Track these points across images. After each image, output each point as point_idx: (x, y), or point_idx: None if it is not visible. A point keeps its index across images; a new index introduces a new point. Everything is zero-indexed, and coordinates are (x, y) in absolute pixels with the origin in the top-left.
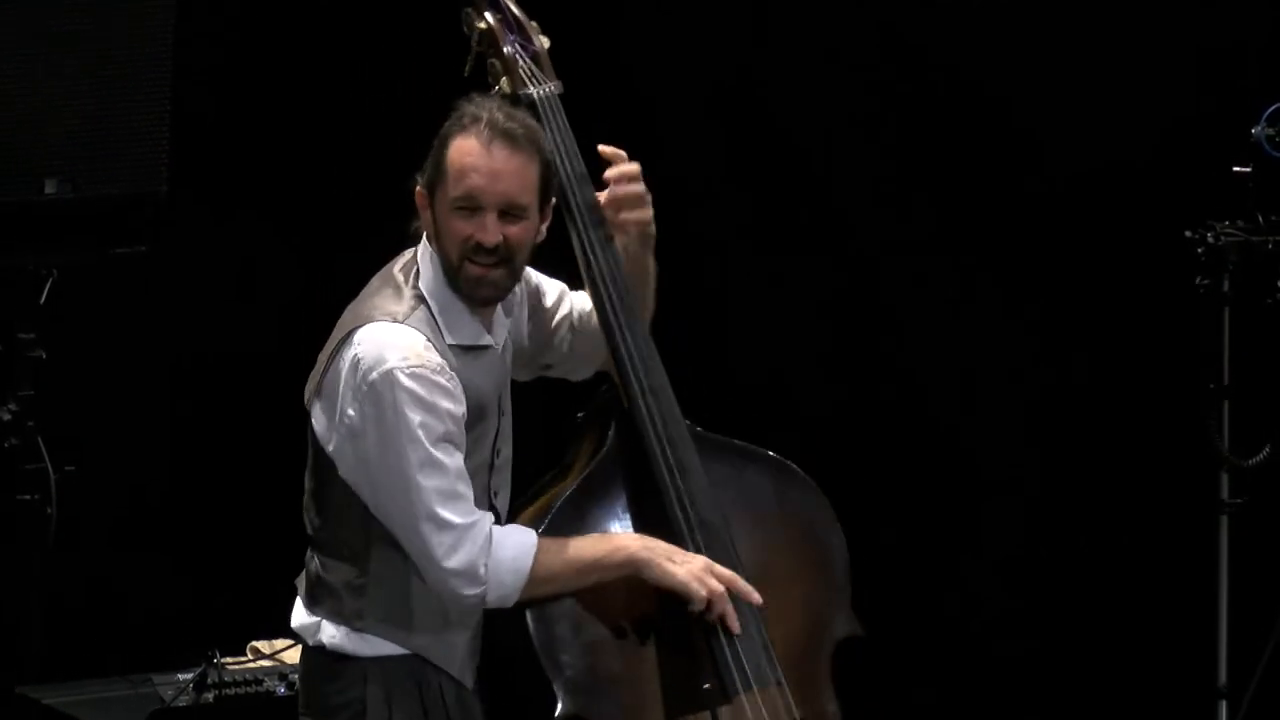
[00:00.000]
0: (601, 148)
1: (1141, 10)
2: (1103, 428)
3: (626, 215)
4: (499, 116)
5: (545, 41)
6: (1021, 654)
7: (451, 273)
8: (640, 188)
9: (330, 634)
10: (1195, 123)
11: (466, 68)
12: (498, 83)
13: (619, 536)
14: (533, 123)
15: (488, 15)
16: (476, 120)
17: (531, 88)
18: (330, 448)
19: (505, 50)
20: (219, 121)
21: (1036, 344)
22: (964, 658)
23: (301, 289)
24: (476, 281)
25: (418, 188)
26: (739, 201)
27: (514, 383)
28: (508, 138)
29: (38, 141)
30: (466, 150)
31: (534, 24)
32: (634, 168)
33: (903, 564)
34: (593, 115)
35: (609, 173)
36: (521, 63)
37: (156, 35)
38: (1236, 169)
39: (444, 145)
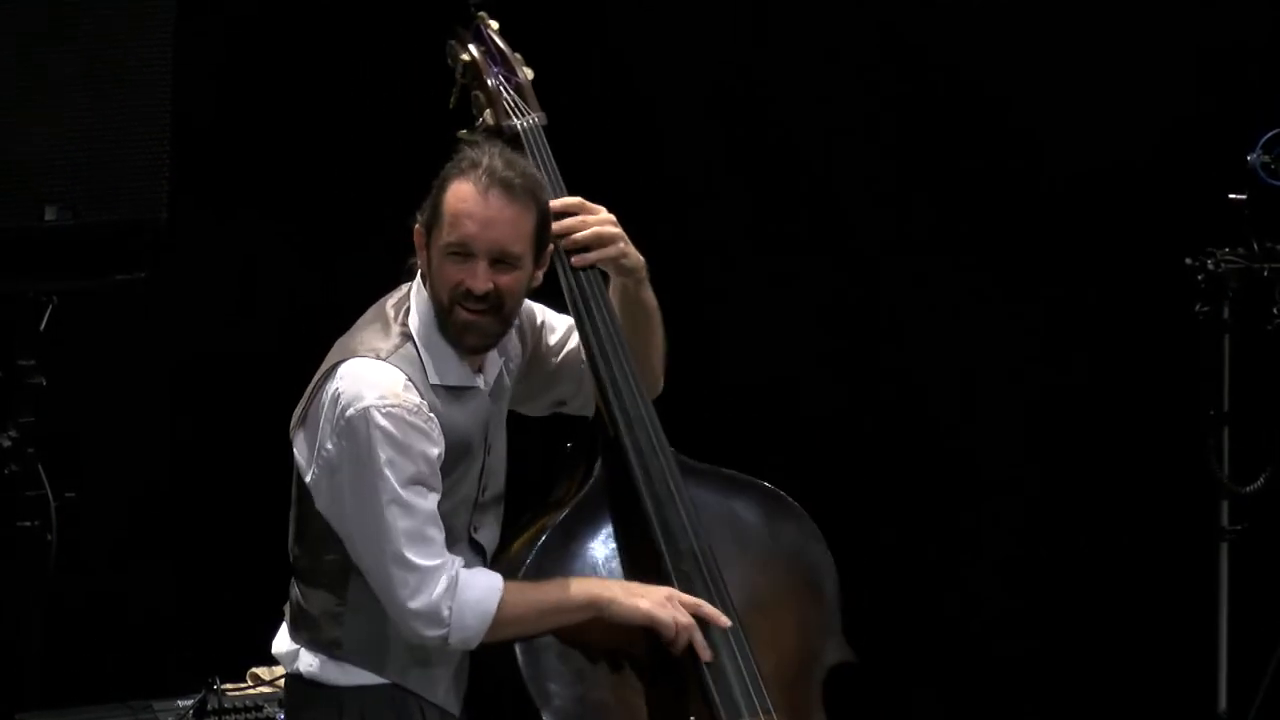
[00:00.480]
0: (553, 203)
1: (1142, 11)
2: (1103, 450)
3: (587, 258)
4: (498, 164)
5: (529, 73)
6: (1021, 654)
7: (442, 315)
8: (590, 232)
9: (308, 662)
10: (1195, 124)
11: (451, 100)
12: (481, 115)
13: (582, 579)
14: (533, 172)
15: (471, 48)
16: (475, 166)
17: (515, 119)
18: (308, 479)
19: (489, 83)
20: (218, 132)
21: (1036, 346)
22: (964, 658)
23: (302, 313)
24: (465, 327)
25: (417, 226)
26: (739, 201)
27: (510, 412)
28: (505, 186)
29: (38, 169)
30: (463, 196)
31: (518, 55)
32: (576, 220)
33: (903, 564)
34: (594, 117)
35: (556, 226)
36: (505, 95)
37: (155, 64)
38: (1232, 196)
39: (442, 188)
